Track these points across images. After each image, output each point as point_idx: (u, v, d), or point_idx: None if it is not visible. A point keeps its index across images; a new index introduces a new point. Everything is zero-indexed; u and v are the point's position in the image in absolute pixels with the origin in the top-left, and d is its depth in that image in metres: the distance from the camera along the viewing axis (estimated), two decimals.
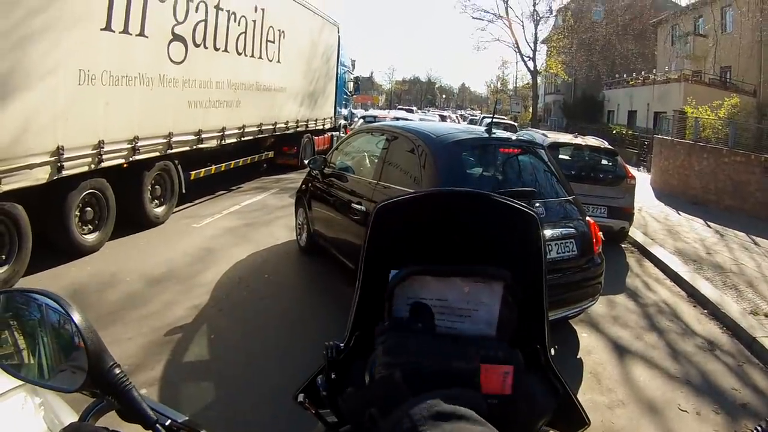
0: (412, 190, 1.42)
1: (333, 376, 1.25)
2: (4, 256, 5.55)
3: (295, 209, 7.46)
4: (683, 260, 7.90)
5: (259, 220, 8.79)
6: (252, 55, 10.48)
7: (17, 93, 5.31)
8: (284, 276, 6.28)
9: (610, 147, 9.27)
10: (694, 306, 6.40)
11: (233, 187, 11.35)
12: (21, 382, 1.42)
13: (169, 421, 0.96)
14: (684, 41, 29.01)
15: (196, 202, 9.68)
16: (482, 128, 5.50)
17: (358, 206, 5.23)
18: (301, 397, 1.19)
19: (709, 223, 11.15)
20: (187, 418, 0.98)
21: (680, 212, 12.28)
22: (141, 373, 3.86)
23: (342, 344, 1.30)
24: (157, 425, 0.95)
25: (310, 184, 6.90)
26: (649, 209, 12.24)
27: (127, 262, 6.38)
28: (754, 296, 6.64)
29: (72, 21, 5.90)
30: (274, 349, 4.43)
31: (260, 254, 6.99)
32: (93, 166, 6.49)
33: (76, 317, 0.95)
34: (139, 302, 5.19)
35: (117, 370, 0.95)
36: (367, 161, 6.17)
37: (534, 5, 38.44)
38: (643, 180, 16.50)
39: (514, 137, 5.81)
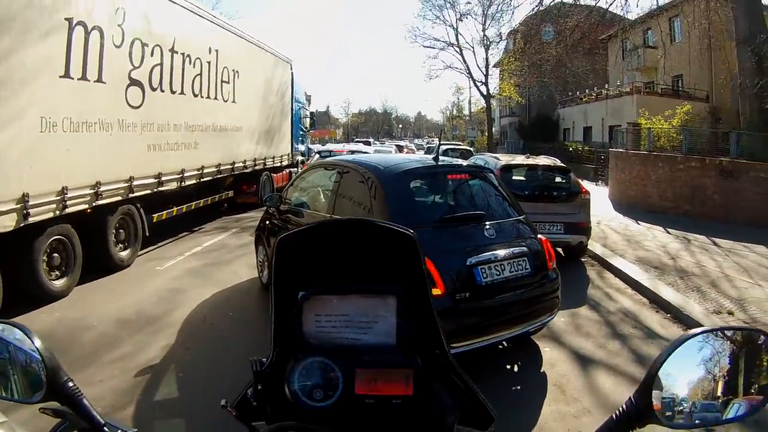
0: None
1: (259, 387, 1.38)
2: None
3: (255, 247, 7.47)
4: (644, 268, 8.07)
5: (222, 260, 8.82)
6: (208, 97, 10.58)
7: None
8: (247, 313, 6.30)
9: (562, 165, 9.48)
10: (657, 311, 6.52)
11: (195, 228, 11.33)
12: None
13: (120, 430, 1.07)
14: (634, 54, 29.83)
15: (159, 244, 9.67)
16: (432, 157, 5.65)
17: None
18: (223, 402, 1.31)
19: (668, 229, 11.42)
20: (136, 430, 1.09)
21: (639, 222, 12.54)
22: (115, 413, 3.89)
23: (265, 359, 1.43)
24: (105, 428, 1.07)
25: (268, 222, 6.96)
26: (608, 222, 12.48)
27: (95, 306, 6.41)
28: (717, 296, 6.80)
29: (32, 69, 5.99)
30: (240, 384, 4.42)
31: (224, 293, 7.02)
32: (58, 212, 6.52)
33: (36, 340, 1.10)
34: (108, 345, 5.22)
35: (71, 383, 1.09)
36: (321, 195, 6.25)
37: (483, 31, 39.39)
38: (601, 193, 16.93)
39: (463, 163, 6.00)
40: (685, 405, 0.99)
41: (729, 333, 1.04)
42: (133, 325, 5.78)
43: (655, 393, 0.98)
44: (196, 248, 9.61)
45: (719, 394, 0.98)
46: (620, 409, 0.95)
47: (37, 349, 1.10)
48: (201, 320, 6.02)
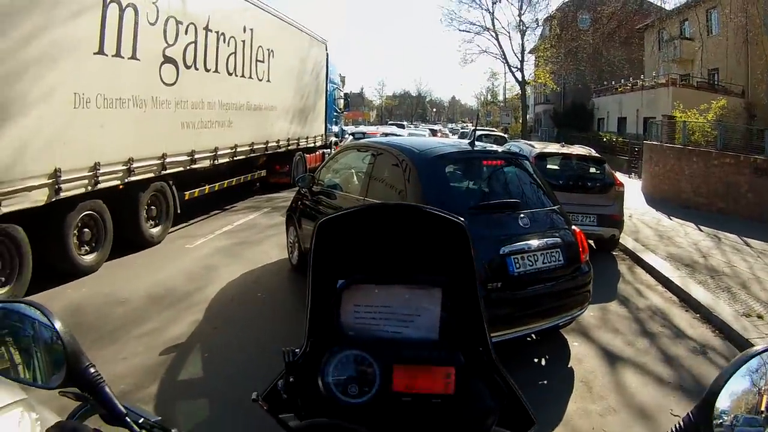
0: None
1: (291, 379, 1.34)
2: (4, 278, 5.66)
3: (286, 228, 7.48)
4: (675, 265, 7.93)
5: (252, 240, 8.85)
6: (242, 75, 10.60)
7: (15, 117, 5.44)
8: (276, 294, 6.29)
9: (597, 155, 9.30)
10: (686, 310, 6.41)
11: (226, 207, 11.42)
12: (17, 398, 1.60)
13: (143, 419, 1.04)
14: (671, 45, 29.21)
15: (190, 222, 9.75)
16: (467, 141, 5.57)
17: None
18: (254, 395, 1.26)
19: (700, 226, 11.21)
20: (159, 418, 1.06)
21: (672, 217, 12.32)
22: (137, 392, 3.90)
23: (298, 350, 1.38)
24: (127, 418, 1.04)
25: (299, 203, 6.96)
26: (640, 215, 12.29)
27: (123, 282, 6.46)
28: (747, 298, 6.66)
29: (66, 45, 6.05)
30: (266, 366, 4.41)
31: (253, 273, 7.02)
32: (90, 187, 6.60)
33: (57, 323, 1.07)
34: (135, 322, 5.25)
35: (92, 369, 1.06)
36: (354, 178, 6.26)
37: (520, 16, 38.57)
38: (634, 186, 16.68)
39: (498, 149, 5.91)
40: (750, 428, 0.92)
41: None
42: (161, 303, 5.83)
43: (716, 411, 0.91)
44: (227, 227, 9.67)
45: None
46: (678, 424, 0.90)
47: (59, 332, 1.08)
48: (229, 300, 6.04)
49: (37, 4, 5.61)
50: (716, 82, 26.91)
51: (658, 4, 19.02)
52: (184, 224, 9.52)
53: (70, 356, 1.06)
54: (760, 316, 6.02)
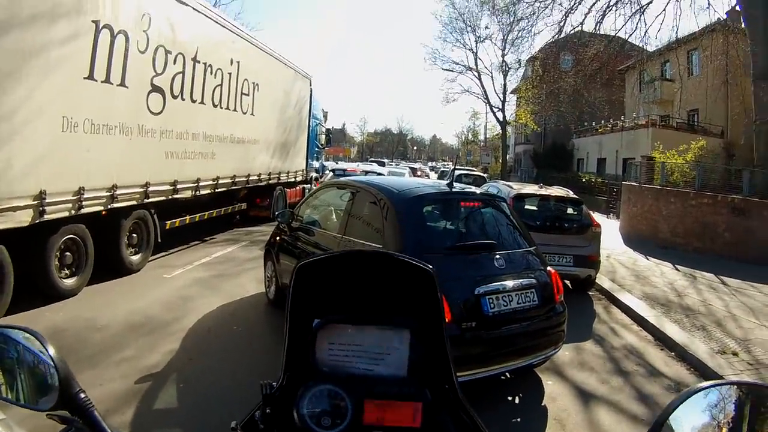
0: (333, 251, 1.61)
1: (268, 410, 1.41)
2: None
3: (264, 262, 7.47)
4: (651, 304, 8.04)
5: (229, 272, 8.81)
6: (227, 108, 10.68)
7: (3, 136, 5.47)
8: (252, 328, 6.29)
9: (574, 196, 9.42)
10: (662, 349, 6.50)
11: (206, 238, 11.40)
12: None
13: None
14: (651, 87, 29.86)
15: (169, 252, 9.73)
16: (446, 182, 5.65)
17: None
18: (233, 425, 1.34)
19: (677, 266, 11.39)
20: None
21: (649, 257, 12.49)
22: (112, 419, 3.88)
23: (275, 383, 1.47)
24: None
25: (278, 237, 6.96)
26: (617, 256, 12.44)
27: (101, 308, 6.45)
28: (723, 335, 6.77)
29: (58, 67, 6.11)
30: (240, 399, 4.35)
31: (230, 306, 7.01)
32: (73, 211, 6.62)
33: (50, 348, 1.13)
34: (112, 349, 5.25)
35: (83, 394, 1.12)
36: (333, 215, 6.30)
37: (503, 56, 39.12)
38: (612, 226, 16.90)
39: (476, 191, 6.00)
40: None
41: (742, 387, 1.07)
42: (138, 331, 5.82)
43: None
44: (205, 258, 9.65)
45: None
46: None
47: (52, 356, 1.12)
48: (206, 331, 6.04)
49: (32, 22, 5.67)
50: (696, 123, 27.60)
51: (640, 45, 19.45)
52: (163, 254, 9.49)
53: (62, 381, 1.11)
54: (735, 353, 6.12)
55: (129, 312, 6.39)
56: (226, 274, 8.64)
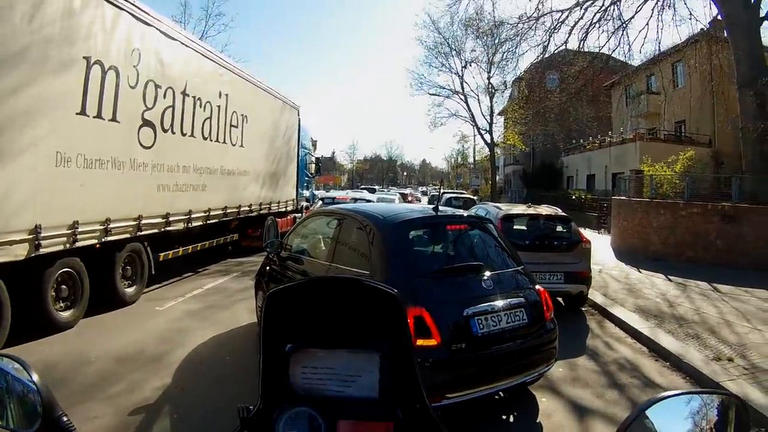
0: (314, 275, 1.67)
1: None
2: None
3: (255, 292, 7.44)
4: (644, 317, 8.06)
5: (221, 303, 8.81)
6: (217, 140, 10.80)
7: (0, 174, 5.57)
8: (244, 358, 6.22)
9: (563, 214, 9.47)
10: (656, 360, 6.52)
11: (198, 269, 11.44)
12: None
13: None
14: (637, 101, 30.13)
15: (161, 284, 9.75)
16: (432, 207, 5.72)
17: None
18: None
19: (669, 276, 11.46)
20: None
21: (641, 270, 12.55)
22: None
23: (252, 407, 1.54)
24: None
25: (268, 267, 6.98)
26: (609, 270, 12.50)
27: (94, 341, 6.48)
28: (717, 342, 6.80)
29: (51, 103, 6.24)
30: (232, 426, 4.41)
31: (222, 337, 7.02)
32: (68, 245, 6.69)
33: (34, 375, 1.19)
34: (105, 382, 5.26)
35: (65, 418, 1.17)
36: (321, 243, 6.33)
37: (489, 79, 39.15)
38: (603, 242, 17.03)
39: (463, 213, 6.05)
40: None
41: (704, 396, 1.11)
42: (131, 364, 5.83)
43: None
44: (197, 290, 9.65)
45: None
46: None
47: (35, 382, 1.18)
48: (198, 363, 6.04)
49: (24, 58, 5.79)
50: (683, 134, 27.85)
51: (625, 60, 19.69)
52: (156, 286, 9.51)
53: (45, 404, 1.16)
54: (730, 359, 6.13)
55: (121, 345, 6.41)
56: (218, 305, 8.66)
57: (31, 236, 6.03)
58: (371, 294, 1.66)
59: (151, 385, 5.26)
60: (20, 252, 5.92)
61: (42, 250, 6.20)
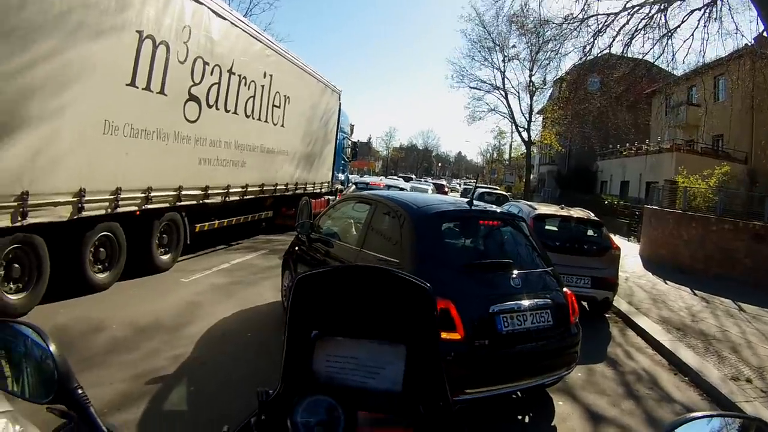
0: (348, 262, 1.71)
1: (263, 417, 1.50)
2: (22, 285, 6.00)
3: (282, 271, 7.46)
4: (666, 329, 8.01)
5: (247, 280, 8.86)
6: (259, 119, 11.01)
7: (50, 135, 5.82)
8: (266, 336, 6.14)
9: (595, 218, 9.38)
10: (675, 374, 6.47)
11: (227, 244, 11.58)
12: (2, 410, 1.62)
13: None
14: (677, 111, 29.54)
15: (190, 256, 9.89)
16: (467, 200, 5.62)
17: None
18: (225, 429, 1.46)
19: (695, 291, 11.31)
20: None
21: (667, 281, 12.43)
22: (119, 416, 3.93)
23: (272, 391, 1.56)
24: None
25: (297, 248, 7.01)
26: (636, 279, 12.40)
27: (115, 310, 6.55)
28: (737, 362, 6.74)
29: (102, 73, 6.44)
30: (250, 405, 4.31)
31: (245, 313, 7.03)
32: (109, 210, 6.95)
33: (51, 345, 1.18)
34: (123, 349, 5.32)
35: (80, 390, 1.18)
36: (353, 228, 6.33)
37: (530, 76, 38.74)
38: (632, 249, 16.85)
39: (497, 209, 6.00)
40: None
41: (733, 419, 1.14)
42: (150, 333, 5.89)
43: None
44: (224, 264, 9.77)
45: None
46: None
47: (53, 353, 1.18)
48: (219, 337, 6.04)
49: (80, 27, 6.01)
50: (720, 148, 27.22)
51: (667, 69, 19.29)
52: (184, 257, 9.66)
53: (61, 376, 1.16)
54: (748, 380, 6.08)
55: (142, 314, 6.46)
56: (243, 281, 8.73)
57: (74, 199, 6.27)
58: (403, 286, 1.65)
59: (170, 356, 5.29)
60: (63, 213, 6.16)
61: (84, 213, 6.45)
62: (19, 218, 5.55)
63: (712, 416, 1.09)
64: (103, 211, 6.87)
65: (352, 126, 20.23)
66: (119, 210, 7.14)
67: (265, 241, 12.85)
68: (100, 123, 6.57)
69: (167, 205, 8.32)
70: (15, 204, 5.48)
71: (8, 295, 5.85)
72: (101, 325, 5.92)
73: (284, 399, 1.54)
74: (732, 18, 26.49)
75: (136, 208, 7.56)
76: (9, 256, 5.87)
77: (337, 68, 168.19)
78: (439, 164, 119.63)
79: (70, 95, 6.00)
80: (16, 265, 5.97)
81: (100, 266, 7.26)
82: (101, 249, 7.23)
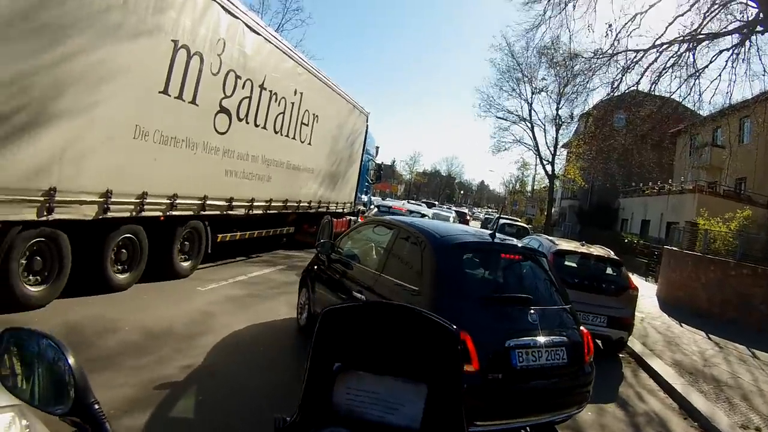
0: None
1: None
2: (42, 278, 6.16)
3: (299, 288, 7.49)
4: (679, 372, 7.94)
5: (263, 294, 8.89)
6: (287, 135, 11.19)
7: (80, 134, 5.98)
8: (279, 351, 6.24)
9: (615, 257, 9.31)
10: (685, 418, 6.43)
11: (246, 257, 11.69)
12: (10, 402, 1.58)
13: None
14: (701, 152, 29.36)
15: (205, 265, 9.94)
16: (489, 232, 5.62)
17: (359, 294, 5.41)
18: None
19: (710, 335, 11.21)
20: None
21: (683, 324, 12.30)
22: (126, 420, 3.96)
23: (289, 418, 1.57)
24: None
25: (316, 266, 7.02)
26: (651, 320, 12.30)
27: (129, 312, 6.62)
28: (747, 410, 6.67)
29: (135, 79, 6.64)
30: (258, 421, 4.31)
31: (258, 327, 7.04)
32: (134, 213, 7.09)
33: (70, 358, 1.20)
34: (134, 353, 5.34)
35: (96, 406, 1.18)
36: (373, 252, 6.34)
37: (557, 109, 38.81)
38: (650, 290, 16.73)
39: (518, 243, 5.98)
40: None
41: None
42: (163, 339, 5.92)
43: None
44: (241, 276, 9.85)
45: None
46: None
47: (70, 366, 1.18)
48: (232, 349, 6.05)
49: (116, 35, 6.19)
50: (743, 191, 27.00)
51: (693, 109, 19.24)
52: (201, 266, 9.68)
53: (78, 390, 1.17)
54: (758, 429, 6.04)
55: (156, 320, 6.51)
56: (259, 295, 8.76)
57: (101, 199, 6.44)
58: (429, 326, 1.66)
59: (180, 364, 5.31)
60: (89, 212, 6.33)
61: (109, 214, 6.61)
62: (45, 213, 5.71)
63: None
64: (127, 214, 7.02)
65: (377, 148, 20.38)
66: (144, 214, 7.29)
67: (285, 257, 12.94)
68: (131, 127, 6.75)
69: (191, 213, 8.46)
70: (42, 199, 5.64)
71: (28, 286, 6.02)
72: (115, 326, 6.01)
73: (301, 428, 1.55)
74: (760, 59, 26.39)
75: (160, 213, 7.71)
76: (32, 248, 6.04)
77: (365, 89, 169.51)
78: (461, 192, 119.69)
79: (102, 97, 6.19)
80: (38, 258, 6.13)
81: (120, 267, 7.42)
82: (123, 250, 7.40)
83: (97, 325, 5.95)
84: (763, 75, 17.24)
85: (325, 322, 1.65)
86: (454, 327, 1.63)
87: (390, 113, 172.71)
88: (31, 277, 6.10)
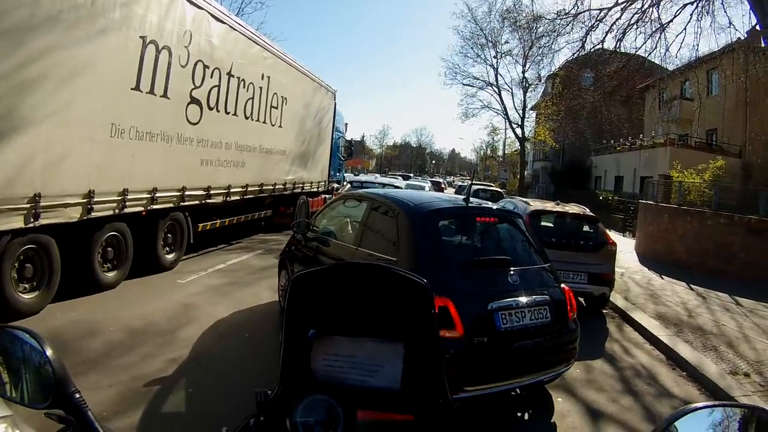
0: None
1: (262, 418, 1.51)
2: (34, 284, 6.16)
3: (278, 271, 7.47)
4: (664, 324, 8.01)
5: (243, 280, 8.90)
6: (257, 120, 11.16)
7: (61, 138, 5.98)
8: (264, 336, 6.17)
9: (591, 214, 9.45)
10: (673, 369, 6.49)
11: (224, 244, 11.68)
12: (2, 414, 1.58)
13: None
14: (670, 106, 29.56)
15: (189, 256, 9.94)
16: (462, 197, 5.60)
17: None
18: (224, 430, 1.48)
19: (691, 285, 11.33)
20: None
21: (663, 276, 12.45)
22: (119, 420, 3.92)
23: (270, 392, 1.57)
24: None
25: (293, 247, 7.01)
26: (632, 274, 12.44)
27: (110, 311, 6.59)
28: (734, 357, 6.72)
29: (108, 78, 6.62)
30: (246, 405, 4.25)
31: (242, 313, 7.04)
32: (117, 210, 7.13)
33: (48, 350, 1.18)
34: (121, 351, 5.33)
35: (77, 395, 1.16)
36: (349, 227, 6.28)
37: (523, 72, 38.71)
38: (628, 245, 16.88)
39: (493, 206, 5.95)
40: None
41: (733, 409, 1.15)
42: (148, 335, 5.90)
43: None
44: (220, 265, 9.84)
45: None
46: None
47: (49, 357, 1.17)
48: (217, 338, 6.04)
49: (85, 34, 6.16)
50: (714, 143, 27.29)
51: (660, 63, 19.32)
52: (183, 258, 9.62)
53: (58, 381, 1.15)
54: (746, 374, 6.08)
55: (139, 316, 6.49)
56: (239, 282, 8.76)
57: (84, 200, 6.45)
58: (400, 283, 1.63)
59: (167, 357, 5.30)
60: (74, 214, 6.34)
61: (94, 214, 6.62)
62: (32, 219, 5.71)
63: (711, 407, 1.11)
64: (111, 212, 7.05)
65: (346, 125, 20.38)
66: (126, 210, 7.33)
67: (261, 241, 12.94)
68: (107, 126, 6.75)
69: (171, 205, 8.50)
70: (28, 206, 5.64)
71: (22, 295, 6.01)
72: (98, 328, 5.96)
73: (283, 400, 1.54)
74: (725, 12, 26.75)
75: (142, 208, 7.74)
76: (22, 256, 6.02)
77: (329, 66, 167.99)
78: (433, 162, 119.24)
79: (77, 99, 6.18)
80: (29, 265, 6.12)
81: (108, 266, 7.43)
82: (109, 249, 7.41)
83: (82, 327, 5.94)
84: (729, 27, 17.37)
85: (295, 289, 1.63)
86: (424, 281, 1.60)
87: (356, 88, 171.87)
88: (24, 285, 6.10)
